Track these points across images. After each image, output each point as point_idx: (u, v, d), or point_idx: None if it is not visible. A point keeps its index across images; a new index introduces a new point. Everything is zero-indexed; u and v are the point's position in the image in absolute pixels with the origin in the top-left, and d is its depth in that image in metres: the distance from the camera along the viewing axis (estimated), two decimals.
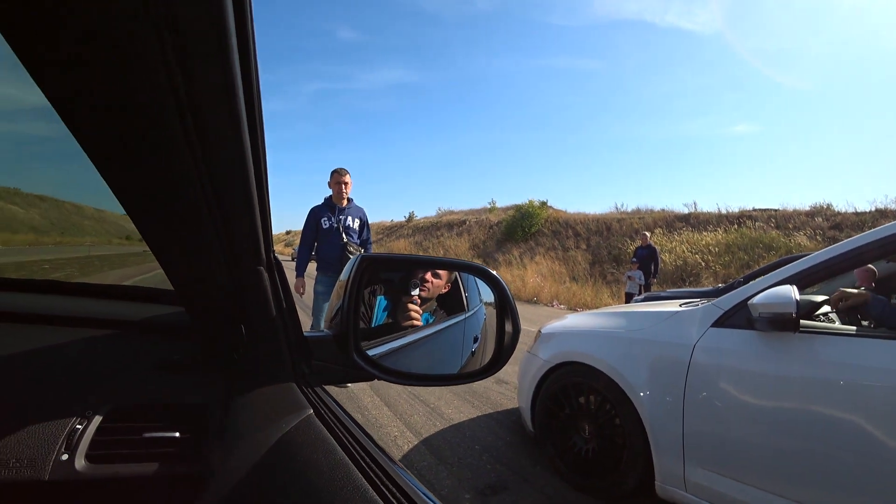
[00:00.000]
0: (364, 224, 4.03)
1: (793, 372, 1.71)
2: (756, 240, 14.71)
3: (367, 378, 0.71)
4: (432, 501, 0.48)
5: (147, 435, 0.62)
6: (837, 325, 2.23)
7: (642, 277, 9.13)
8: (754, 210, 17.15)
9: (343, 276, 0.70)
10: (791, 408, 1.70)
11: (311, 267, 4.02)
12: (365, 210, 4.06)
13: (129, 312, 0.82)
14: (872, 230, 1.76)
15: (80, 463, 0.59)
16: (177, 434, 0.63)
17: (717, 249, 14.90)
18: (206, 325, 0.71)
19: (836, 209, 15.58)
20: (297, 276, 3.97)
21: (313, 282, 3.96)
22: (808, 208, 16.10)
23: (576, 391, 2.56)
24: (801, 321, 1.76)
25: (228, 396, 0.66)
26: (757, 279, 2.11)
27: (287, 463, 0.53)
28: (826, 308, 2.20)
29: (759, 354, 1.82)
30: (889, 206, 14.59)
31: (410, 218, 34.91)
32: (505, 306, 0.77)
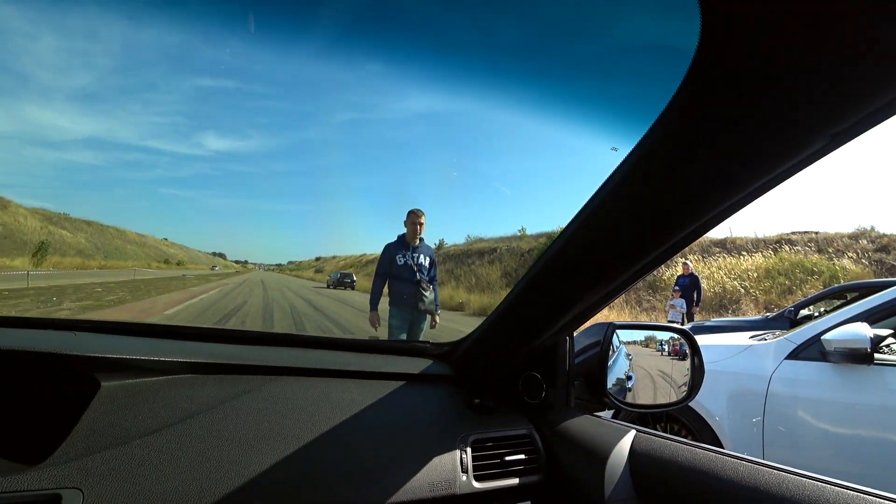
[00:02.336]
0: (433, 263, 4.31)
1: (868, 401, 1.91)
2: (797, 264, 14.49)
3: (615, 408, 0.99)
4: None
5: (507, 458, 0.87)
6: None
7: (684, 306, 9.17)
8: (793, 234, 16.90)
9: (595, 338, 0.98)
10: (868, 435, 1.89)
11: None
12: (433, 249, 4.36)
13: (391, 365, 1.04)
14: None
15: (473, 481, 0.83)
16: (524, 455, 0.89)
17: (756, 275, 14.71)
18: (470, 375, 1.00)
19: (879, 231, 15.27)
20: (372, 310, 4.25)
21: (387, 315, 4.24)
22: (851, 231, 15.80)
23: (654, 419, 2.75)
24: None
25: (539, 427, 0.94)
26: (826, 313, 2.31)
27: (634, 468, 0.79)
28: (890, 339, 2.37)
29: (835, 385, 2.01)
30: None
31: (441, 245, 35.36)
32: (696, 349, 1.03)
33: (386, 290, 4.22)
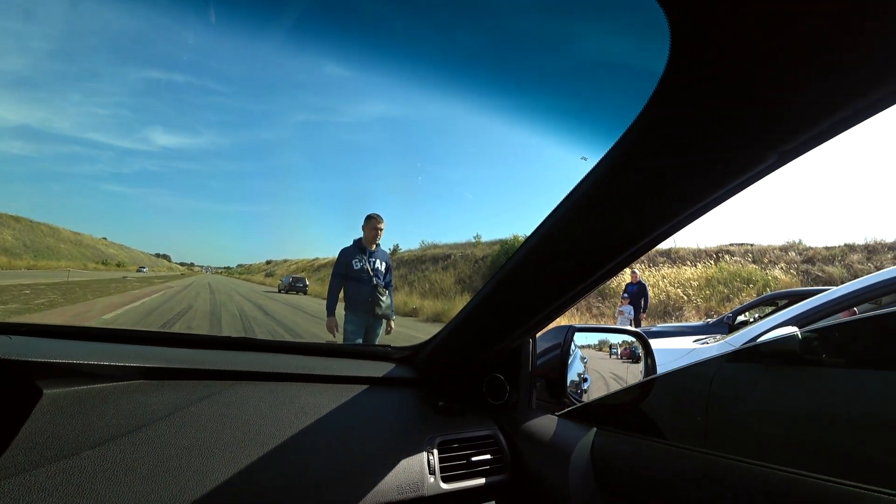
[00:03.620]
0: (389, 268, 4.30)
1: (797, 397, 2.06)
2: (735, 274, 15.38)
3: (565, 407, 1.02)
4: None
5: (473, 459, 0.89)
6: (825, 357, 2.60)
7: (632, 312, 9.54)
8: (731, 245, 17.93)
9: (555, 341, 1.02)
10: (797, 427, 2.04)
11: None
12: (388, 253, 4.35)
13: (354, 369, 1.03)
14: (859, 279, 2.15)
15: (441, 483, 0.84)
16: (489, 456, 0.91)
17: (697, 284, 15.51)
18: (433, 378, 1.01)
19: (806, 244, 16.45)
20: (329, 315, 4.19)
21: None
22: (781, 244, 16.94)
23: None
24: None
25: (503, 428, 0.96)
26: (760, 318, 2.48)
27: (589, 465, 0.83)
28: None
29: (769, 383, 2.16)
30: (856, 241, 15.45)
31: (395, 250, 35.18)
32: (650, 351, 1.09)
33: (341, 295, 4.18)
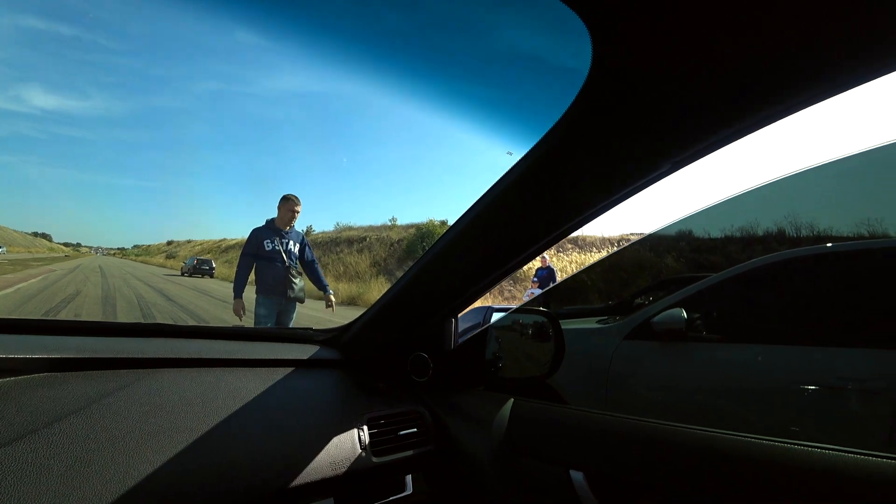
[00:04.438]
0: (304, 246, 4.18)
1: (684, 369, 2.33)
2: (633, 261, 16.73)
3: (493, 381, 1.10)
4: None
5: (401, 433, 0.94)
6: (705, 333, 2.95)
7: (542, 298, 10.06)
8: (631, 234, 19.43)
9: (475, 321, 1.06)
10: (684, 396, 2.31)
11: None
12: (303, 234, 4.23)
13: (278, 352, 1.03)
14: (735, 266, 2.45)
15: (372, 457, 0.87)
16: (416, 430, 0.96)
17: (600, 269, 16.69)
18: (358, 358, 1.03)
19: (695, 235, 18.26)
20: (236, 297, 4.01)
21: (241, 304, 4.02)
22: (673, 234, 18.63)
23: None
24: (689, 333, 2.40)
25: (427, 403, 1.02)
26: (654, 301, 2.74)
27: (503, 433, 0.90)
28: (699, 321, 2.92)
29: (660, 358, 2.42)
30: (734, 234, 17.41)
31: (309, 232, 34.11)
32: (559, 330, 1.16)
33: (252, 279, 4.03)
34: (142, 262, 59.94)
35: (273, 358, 0.99)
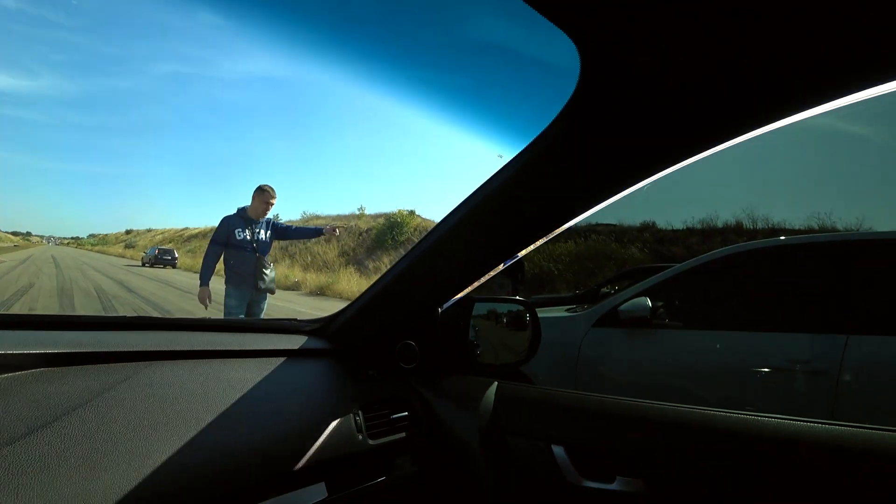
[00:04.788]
0: (274, 227, 4.13)
1: (649, 354, 2.48)
2: (600, 251, 17.13)
3: (475, 367, 1.16)
4: None
5: (393, 417, 0.99)
6: (667, 321, 3.13)
7: (511, 285, 10.26)
8: (598, 225, 19.87)
9: (459, 310, 1.12)
10: (648, 379, 2.46)
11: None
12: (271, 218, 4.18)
13: (269, 343, 1.06)
14: (696, 258, 2.61)
15: (367, 440, 0.92)
16: (406, 413, 1.02)
17: (567, 259, 17.04)
18: (347, 347, 1.08)
19: (658, 226, 18.82)
20: (202, 285, 3.94)
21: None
22: (638, 224, 19.13)
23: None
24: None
25: (416, 388, 1.08)
26: (620, 290, 2.88)
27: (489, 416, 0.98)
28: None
29: (627, 344, 2.57)
30: (696, 226, 18.00)
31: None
32: (535, 317, 1.23)
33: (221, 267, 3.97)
34: (99, 251, 57.49)
35: (265, 349, 1.02)
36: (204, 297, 3.93)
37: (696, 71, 0.54)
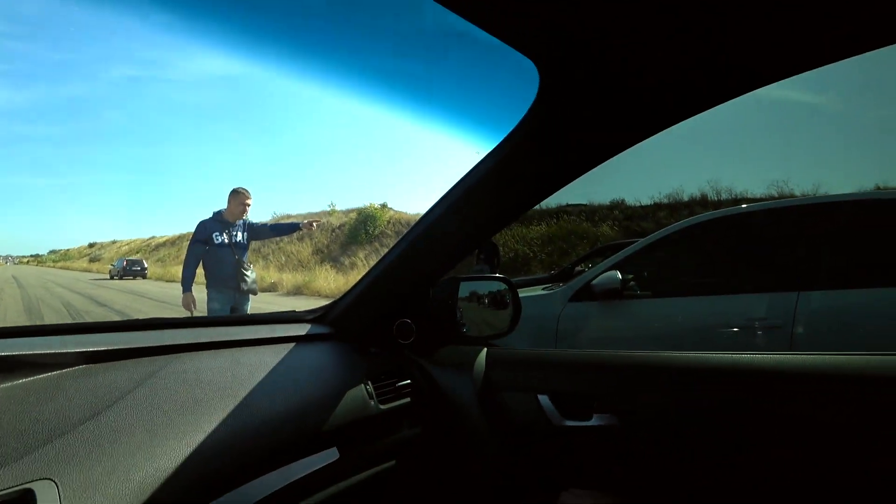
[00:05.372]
0: (250, 228, 4.13)
1: (621, 323, 2.65)
2: (572, 231, 17.49)
3: (464, 340, 1.28)
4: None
5: (398, 384, 1.13)
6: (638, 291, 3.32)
7: (487, 269, 10.44)
8: (568, 206, 20.23)
9: (446, 290, 1.23)
10: (622, 346, 2.63)
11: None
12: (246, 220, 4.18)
13: (277, 332, 1.16)
14: (662, 229, 2.79)
15: (378, 405, 1.05)
16: (409, 381, 1.16)
17: (540, 241, 17.36)
18: (350, 329, 1.19)
19: (627, 203, 19.29)
20: (185, 292, 3.95)
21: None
22: (607, 203, 19.59)
23: None
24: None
25: (415, 360, 1.21)
26: (592, 267, 3.03)
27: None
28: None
29: (601, 315, 2.74)
30: (663, 200, 18.54)
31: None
32: (516, 293, 1.35)
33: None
34: (62, 268, 55.31)
35: (276, 336, 1.12)
36: (188, 303, 3.93)
37: (651, 69, 0.67)
